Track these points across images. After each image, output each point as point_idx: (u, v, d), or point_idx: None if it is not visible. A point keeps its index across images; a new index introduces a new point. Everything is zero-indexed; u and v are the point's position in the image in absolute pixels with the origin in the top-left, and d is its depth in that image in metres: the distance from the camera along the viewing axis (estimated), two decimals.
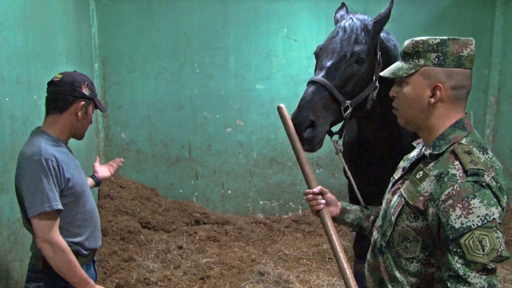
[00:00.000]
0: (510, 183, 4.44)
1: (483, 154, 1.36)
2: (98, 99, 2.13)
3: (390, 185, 1.64)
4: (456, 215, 1.26)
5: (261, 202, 5.28)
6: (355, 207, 1.86)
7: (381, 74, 1.55)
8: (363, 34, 2.37)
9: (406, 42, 1.49)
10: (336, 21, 2.63)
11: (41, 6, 3.01)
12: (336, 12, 2.71)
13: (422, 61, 1.43)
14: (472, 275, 1.23)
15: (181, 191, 5.15)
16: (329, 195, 1.88)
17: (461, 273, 1.24)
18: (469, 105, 5.39)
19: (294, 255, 4.38)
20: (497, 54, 5.23)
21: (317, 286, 3.78)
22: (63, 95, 1.98)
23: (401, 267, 1.46)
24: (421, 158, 1.48)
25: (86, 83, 2.05)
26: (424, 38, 1.45)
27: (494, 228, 1.24)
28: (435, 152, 1.40)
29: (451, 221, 1.26)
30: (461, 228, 1.25)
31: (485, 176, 1.28)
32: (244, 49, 4.98)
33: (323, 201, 1.82)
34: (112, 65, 4.86)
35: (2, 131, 2.34)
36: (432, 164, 1.40)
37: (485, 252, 1.23)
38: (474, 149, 1.36)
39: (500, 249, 1.23)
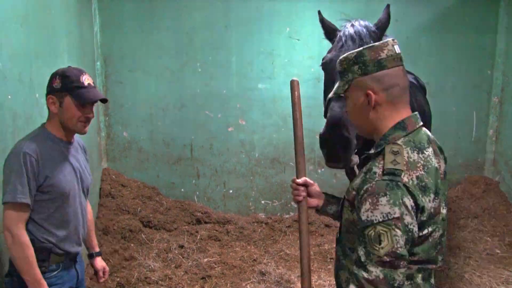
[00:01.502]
0: None
1: (417, 154, 1.43)
2: (82, 91, 1.99)
3: None
4: (365, 209, 1.38)
5: (262, 202, 5.27)
6: (337, 198, 1.93)
7: (329, 96, 1.74)
8: (371, 41, 2.38)
9: (337, 62, 1.58)
10: (329, 29, 2.64)
11: (43, 5, 3.01)
12: (322, 21, 2.72)
13: (350, 75, 1.52)
14: (371, 264, 1.35)
15: (182, 190, 5.15)
16: (313, 187, 1.95)
17: (362, 260, 1.37)
18: (471, 105, 5.37)
19: (296, 255, 4.36)
20: (501, 54, 5.21)
21: (318, 286, 3.78)
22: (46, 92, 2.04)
23: (347, 256, 1.61)
24: (369, 158, 1.58)
25: (57, 75, 2.00)
26: (346, 54, 1.54)
27: (394, 226, 1.33)
28: (375, 152, 1.50)
29: (361, 213, 1.39)
30: (366, 221, 1.37)
31: (402, 175, 1.37)
32: (246, 49, 4.98)
33: (304, 193, 1.91)
34: (114, 64, 4.86)
35: (4, 129, 2.34)
36: (370, 162, 1.52)
37: (381, 246, 1.33)
38: (408, 149, 1.43)
39: (396, 246, 1.33)
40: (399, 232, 1.34)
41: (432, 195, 1.40)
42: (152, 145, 5.05)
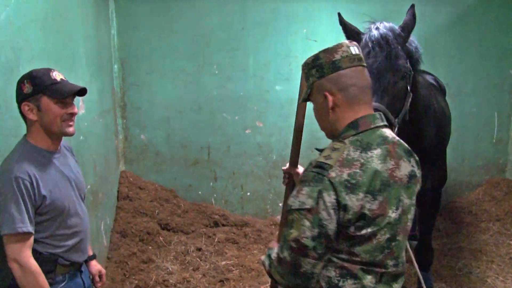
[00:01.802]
0: None
1: (360, 152, 1.44)
2: (57, 87, 1.86)
3: None
4: (292, 194, 1.48)
5: (280, 205, 5.23)
6: None
7: (298, 102, 1.87)
8: (399, 46, 2.31)
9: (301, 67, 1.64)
10: (352, 32, 2.57)
11: (62, 8, 3.03)
12: (343, 24, 2.64)
13: (311, 79, 1.57)
14: (285, 246, 1.46)
15: (200, 192, 5.14)
16: (297, 175, 2.12)
17: (282, 239, 1.49)
18: (493, 106, 5.27)
19: None
20: None
21: None
22: (16, 103, 1.88)
23: None
24: None
25: (25, 80, 1.85)
26: (306, 60, 1.59)
27: (304, 217, 1.40)
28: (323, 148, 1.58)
29: (290, 197, 1.50)
30: (289, 205, 1.47)
31: (330, 170, 1.39)
32: (263, 50, 4.95)
33: (287, 180, 2.15)
34: (131, 67, 4.87)
35: (23, 133, 2.35)
36: None
37: (290, 231, 1.43)
38: (351, 147, 1.45)
39: (301, 235, 1.40)
40: (307, 223, 1.40)
41: (361, 194, 1.38)
42: (169, 148, 5.05)
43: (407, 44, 2.47)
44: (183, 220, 4.75)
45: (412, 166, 1.54)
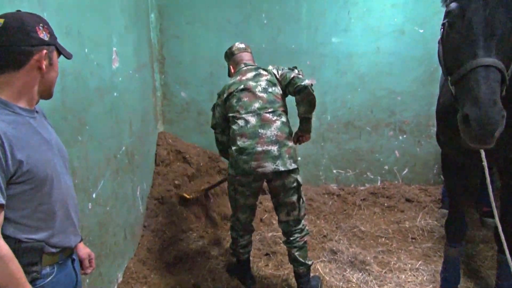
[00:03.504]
0: None
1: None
2: (59, 43, 1.72)
3: None
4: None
5: (334, 171, 5.08)
6: None
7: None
8: None
9: None
10: None
11: None
12: None
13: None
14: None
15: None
16: None
17: None
18: None
19: (371, 232, 4.19)
20: None
21: (398, 270, 3.55)
22: (15, 46, 1.57)
23: None
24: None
25: (41, 24, 1.64)
26: None
27: (212, 111, 3.42)
28: None
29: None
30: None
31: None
32: None
33: None
34: (170, 16, 4.73)
35: None
36: None
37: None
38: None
39: (211, 121, 3.45)
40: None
41: (221, 95, 3.35)
42: None
43: None
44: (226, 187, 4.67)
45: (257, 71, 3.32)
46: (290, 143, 3.07)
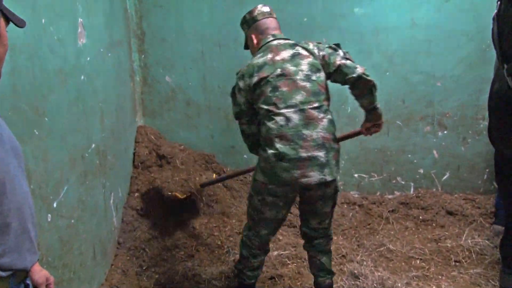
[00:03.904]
0: None
1: (254, 58, 3.24)
2: (6, 7, 1.67)
3: None
4: None
5: (355, 176, 5.09)
6: None
7: None
8: None
9: None
10: None
11: None
12: None
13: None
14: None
15: (245, 156, 5.06)
16: None
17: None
18: None
19: (403, 252, 4.18)
20: None
21: None
22: None
23: None
24: None
25: None
26: None
27: (233, 97, 3.35)
28: None
29: None
30: None
31: (239, 71, 3.26)
32: None
33: None
34: None
35: None
36: None
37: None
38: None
39: (233, 109, 3.41)
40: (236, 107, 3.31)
41: (247, 78, 3.21)
42: (204, 95, 4.98)
43: None
44: (222, 194, 4.72)
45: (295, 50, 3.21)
46: (337, 146, 3.11)
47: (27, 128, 2.45)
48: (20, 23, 1.73)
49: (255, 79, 3.10)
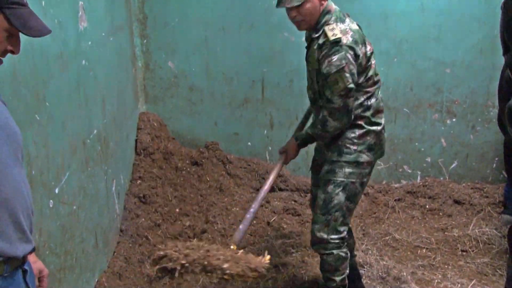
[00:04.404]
0: None
1: (341, 23, 2.90)
2: (22, 12, 1.68)
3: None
4: (324, 66, 2.86)
5: None
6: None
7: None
8: None
9: None
10: None
11: None
12: None
13: None
14: (334, 98, 2.86)
15: (249, 144, 5.09)
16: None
17: (329, 97, 2.89)
18: None
19: (409, 241, 4.20)
20: None
21: None
22: None
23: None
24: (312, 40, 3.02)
25: None
26: None
27: (344, 72, 2.81)
28: (317, 35, 2.98)
29: (322, 70, 2.88)
30: (325, 72, 2.85)
31: (342, 39, 2.82)
32: None
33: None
34: None
35: None
36: (316, 41, 2.97)
37: (339, 85, 2.82)
38: (335, 24, 2.89)
39: (347, 84, 2.82)
40: (348, 74, 2.82)
41: (361, 45, 2.90)
42: (208, 81, 4.97)
43: None
44: (226, 182, 4.74)
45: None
46: None
47: (28, 113, 2.46)
48: (32, 32, 1.70)
49: (368, 47, 3.01)
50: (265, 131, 5.05)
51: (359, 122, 2.99)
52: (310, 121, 3.38)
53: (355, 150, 3.01)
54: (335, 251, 3.06)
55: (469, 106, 4.89)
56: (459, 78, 4.81)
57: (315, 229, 3.08)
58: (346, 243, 3.15)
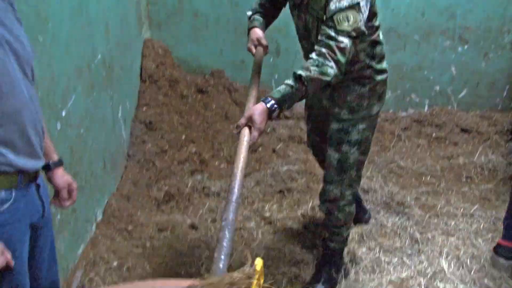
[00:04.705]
0: None
1: None
2: None
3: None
4: (333, 2, 2.37)
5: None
6: None
7: None
8: None
9: None
10: None
11: None
12: None
13: None
14: (341, 37, 2.35)
15: None
16: None
17: (332, 35, 2.36)
18: None
19: (413, 169, 4.24)
20: None
21: (446, 215, 3.64)
22: None
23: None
24: None
25: None
26: None
27: (357, 10, 2.36)
28: None
29: (329, 6, 2.38)
30: (333, 8, 2.36)
31: None
32: None
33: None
34: None
35: None
36: None
37: (349, 23, 2.36)
38: None
39: (359, 24, 2.37)
40: (361, 15, 2.39)
41: None
42: (212, 6, 4.90)
43: None
44: (232, 109, 4.77)
45: None
46: None
47: (30, 33, 2.43)
48: None
49: None
50: (271, 58, 5.00)
51: (367, 73, 2.73)
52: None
53: (367, 104, 2.78)
54: (347, 208, 2.95)
55: (482, 32, 4.81)
56: (474, 3, 4.70)
57: (329, 189, 2.91)
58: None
